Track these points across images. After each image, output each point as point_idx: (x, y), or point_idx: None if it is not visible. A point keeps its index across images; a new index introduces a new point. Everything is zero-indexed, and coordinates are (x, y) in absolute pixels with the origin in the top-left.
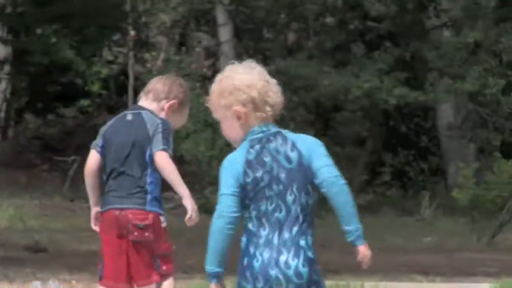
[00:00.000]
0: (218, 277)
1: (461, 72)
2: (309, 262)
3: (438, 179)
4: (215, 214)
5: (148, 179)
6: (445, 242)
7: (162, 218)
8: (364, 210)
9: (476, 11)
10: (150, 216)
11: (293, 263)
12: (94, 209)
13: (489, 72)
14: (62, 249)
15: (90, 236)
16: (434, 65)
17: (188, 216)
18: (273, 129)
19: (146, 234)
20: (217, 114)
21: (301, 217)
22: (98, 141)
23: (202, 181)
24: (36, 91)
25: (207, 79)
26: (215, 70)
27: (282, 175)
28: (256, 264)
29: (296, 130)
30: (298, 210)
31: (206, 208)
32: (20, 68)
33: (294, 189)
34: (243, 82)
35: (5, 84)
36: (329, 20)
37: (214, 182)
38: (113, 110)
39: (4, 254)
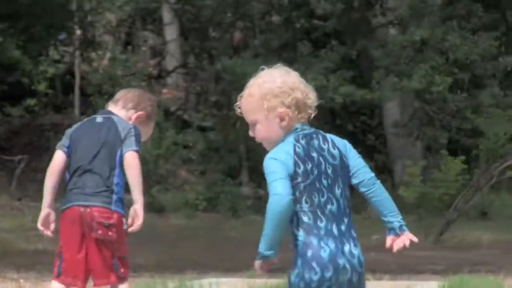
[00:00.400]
0: (272, 256)
1: (408, 70)
2: (362, 252)
3: (384, 177)
4: (271, 199)
5: (115, 180)
6: None
7: (124, 220)
8: None
9: (422, 9)
10: (115, 215)
11: (355, 252)
12: (46, 210)
13: (436, 70)
14: (9, 249)
15: (38, 236)
16: (380, 63)
17: (137, 224)
18: (311, 128)
19: (110, 233)
20: (255, 117)
21: (347, 210)
22: (64, 141)
23: (149, 179)
24: None
25: (153, 78)
26: (161, 69)
27: (329, 170)
28: (324, 254)
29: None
30: (345, 202)
31: (153, 207)
32: None
33: (340, 183)
34: (287, 84)
35: None
36: (275, 18)
37: (160, 181)
38: (59, 109)
39: None
